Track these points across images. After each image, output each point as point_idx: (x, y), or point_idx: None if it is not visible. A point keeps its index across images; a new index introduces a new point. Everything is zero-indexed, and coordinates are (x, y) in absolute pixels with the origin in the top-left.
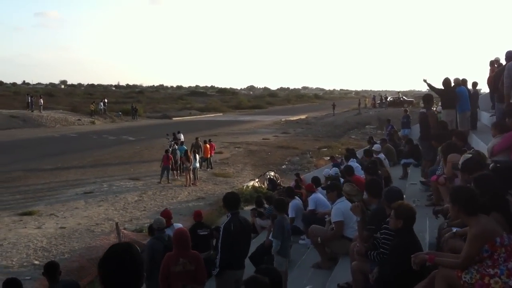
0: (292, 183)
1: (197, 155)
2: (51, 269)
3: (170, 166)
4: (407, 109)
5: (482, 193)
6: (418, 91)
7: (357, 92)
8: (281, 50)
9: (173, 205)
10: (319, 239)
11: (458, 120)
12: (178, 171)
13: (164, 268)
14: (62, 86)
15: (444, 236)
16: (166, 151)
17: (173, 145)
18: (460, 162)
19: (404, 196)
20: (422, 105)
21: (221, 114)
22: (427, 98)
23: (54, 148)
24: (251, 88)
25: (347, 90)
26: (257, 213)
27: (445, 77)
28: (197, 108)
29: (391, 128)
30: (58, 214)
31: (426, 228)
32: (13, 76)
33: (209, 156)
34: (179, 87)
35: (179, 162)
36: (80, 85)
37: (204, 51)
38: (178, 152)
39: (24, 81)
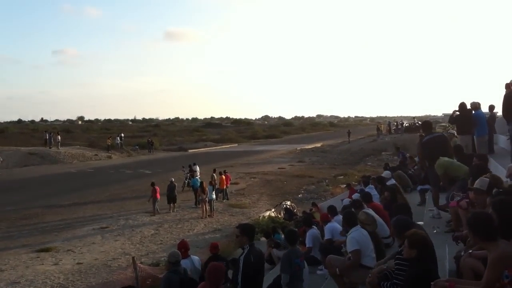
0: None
1: (212, 186)
2: None
3: (159, 198)
4: (422, 134)
5: (500, 218)
6: (434, 116)
7: (372, 119)
8: (295, 79)
9: (190, 238)
10: (337, 270)
11: (476, 144)
12: (173, 204)
13: None
14: (80, 122)
15: (461, 258)
16: (152, 183)
17: (189, 177)
18: (475, 185)
19: (423, 223)
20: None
21: (237, 144)
22: (426, 124)
23: (71, 184)
24: (266, 118)
25: (362, 117)
26: (274, 243)
27: (461, 101)
28: (213, 140)
29: (402, 155)
30: (75, 249)
31: (446, 255)
32: (31, 113)
33: (225, 187)
34: (195, 119)
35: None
36: (97, 120)
37: (218, 83)
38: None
39: (42, 118)
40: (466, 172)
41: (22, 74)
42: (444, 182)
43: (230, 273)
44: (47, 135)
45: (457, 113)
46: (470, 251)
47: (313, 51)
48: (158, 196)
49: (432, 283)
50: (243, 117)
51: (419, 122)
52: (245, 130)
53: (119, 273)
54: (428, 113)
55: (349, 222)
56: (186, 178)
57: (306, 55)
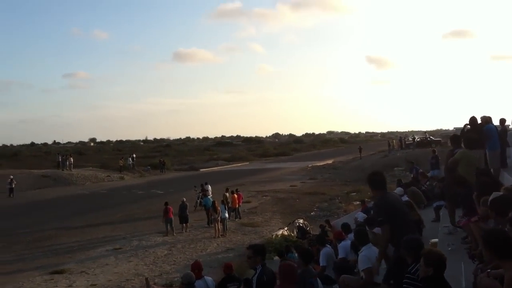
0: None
1: (224, 206)
2: None
3: (172, 217)
4: (435, 149)
5: None
6: (445, 130)
7: (382, 134)
8: (305, 96)
9: (203, 257)
10: None
11: (488, 159)
12: (186, 224)
13: None
14: (92, 144)
15: (478, 277)
16: (166, 203)
17: (201, 196)
18: (489, 199)
19: (437, 240)
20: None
21: (248, 163)
22: (455, 138)
23: (84, 206)
24: (277, 135)
25: (372, 132)
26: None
27: (472, 115)
28: (224, 158)
29: (415, 170)
30: (89, 271)
31: (462, 273)
32: (44, 136)
33: (237, 206)
34: (206, 139)
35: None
36: (109, 141)
37: (228, 102)
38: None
39: (54, 141)
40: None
41: (34, 98)
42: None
43: None
44: (59, 157)
45: (468, 127)
46: (488, 270)
47: (322, 67)
48: (171, 215)
49: None
50: (253, 135)
51: (431, 137)
52: (256, 148)
53: None
54: (439, 127)
55: (361, 240)
56: (198, 198)
57: (315, 71)
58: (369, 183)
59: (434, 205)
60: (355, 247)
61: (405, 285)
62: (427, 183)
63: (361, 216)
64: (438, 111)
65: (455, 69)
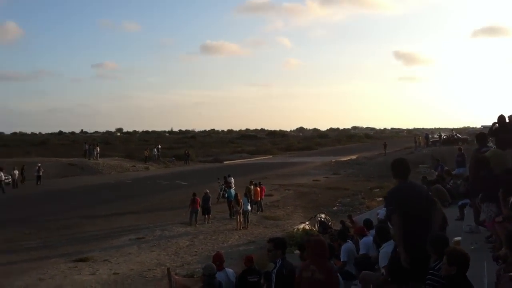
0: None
1: (247, 198)
2: None
3: (199, 209)
4: (461, 147)
5: None
6: (473, 128)
7: (408, 131)
8: (330, 91)
9: (224, 249)
10: (371, 286)
11: None
12: (208, 216)
13: (298, 275)
14: (118, 134)
15: (501, 281)
16: (194, 194)
17: (224, 188)
18: (510, 202)
19: (460, 238)
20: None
21: (271, 156)
22: (481, 137)
23: (109, 195)
24: (301, 129)
25: (398, 128)
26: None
27: (500, 114)
28: (248, 151)
29: (440, 168)
30: (112, 260)
31: (484, 273)
32: (72, 125)
33: (259, 199)
34: (230, 131)
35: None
36: (135, 132)
37: (253, 95)
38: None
39: (82, 130)
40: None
41: (63, 87)
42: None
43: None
44: (86, 146)
45: (496, 125)
46: (511, 274)
47: (349, 63)
48: (198, 206)
49: None
50: (278, 129)
51: (458, 135)
52: (280, 141)
53: (154, 284)
54: (466, 125)
55: (382, 236)
56: (221, 190)
57: (342, 66)
58: (391, 170)
59: (459, 203)
60: (377, 243)
61: (428, 281)
62: (452, 181)
63: (382, 212)
64: (465, 108)
65: (484, 66)
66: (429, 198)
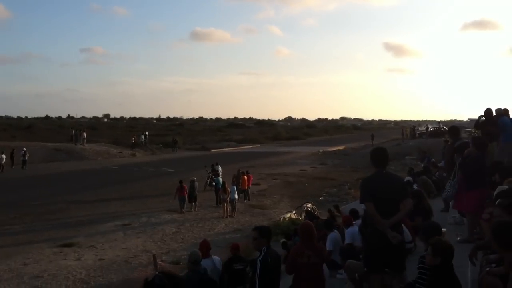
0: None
1: (234, 186)
2: None
3: (186, 196)
4: (447, 139)
5: None
6: (460, 121)
7: (396, 123)
8: (319, 81)
9: (210, 237)
10: (356, 275)
11: (499, 151)
12: (195, 203)
13: (291, 259)
14: (105, 120)
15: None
16: (180, 181)
17: (211, 176)
18: (495, 193)
19: (445, 229)
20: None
21: (259, 145)
22: (454, 129)
23: (95, 181)
24: (289, 119)
25: (386, 120)
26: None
27: (487, 107)
28: (236, 140)
29: (427, 160)
30: (97, 245)
31: (468, 264)
32: (59, 110)
33: (246, 187)
34: (218, 119)
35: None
36: (122, 118)
37: (242, 84)
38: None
39: (69, 115)
40: None
41: (51, 72)
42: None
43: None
44: (73, 131)
45: (483, 118)
46: (488, 268)
47: (339, 53)
48: (185, 194)
49: None
50: (266, 118)
51: (445, 127)
52: (268, 131)
53: (140, 271)
54: (453, 118)
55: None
56: (208, 178)
57: (332, 56)
58: (370, 158)
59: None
60: (363, 234)
61: (419, 269)
62: (438, 173)
63: None
64: (453, 102)
65: (472, 60)
66: (402, 188)
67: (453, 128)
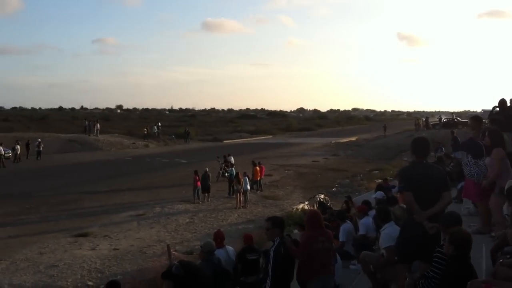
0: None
1: (247, 177)
2: None
3: (199, 186)
4: (453, 130)
5: None
6: (473, 111)
7: (409, 113)
8: (331, 72)
9: (223, 227)
10: (371, 267)
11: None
12: (208, 194)
13: (305, 246)
14: (118, 111)
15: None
16: (195, 172)
17: (224, 167)
18: (506, 188)
19: None
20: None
21: (271, 136)
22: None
23: (109, 171)
24: (301, 110)
25: (398, 111)
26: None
27: (501, 98)
28: (248, 131)
29: (440, 151)
30: (112, 235)
31: (482, 255)
32: (72, 101)
33: (259, 178)
34: (230, 110)
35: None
36: (135, 109)
37: (253, 74)
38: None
39: (82, 106)
40: None
41: (64, 63)
42: None
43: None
44: (86, 122)
45: (497, 109)
46: (501, 260)
47: (351, 43)
48: (199, 184)
49: (468, 282)
50: (278, 109)
51: (458, 118)
52: (280, 122)
53: (154, 260)
54: (467, 108)
55: (383, 217)
56: (220, 169)
57: (344, 46)
58: (411, 147)
59: (458, 186)
60: (377, 225)
61: (435, 258)
62: (452, 164)
63: (379, 194)
64: (467, 92)
65: (486, 50)
66: (443, 180)
67: (476, 117)
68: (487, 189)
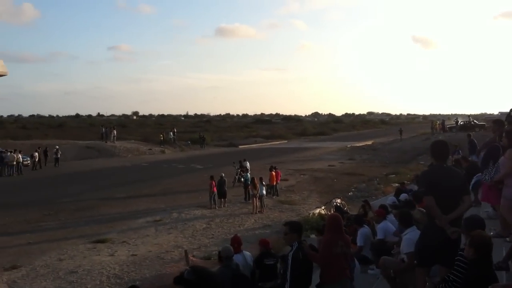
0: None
1: (263, 182)
2: None
3: (215, 191)
4: (470, 133)
5: None
6: (490, 114)
7: (424, 117)
8: (345, 76)
9: (240, 233)
10: (391, 272)
11: None
12: (224, 199)
13: (325, 250)
14: (134, 117)
15: None
16: (211, 177)
17: (239, 172)
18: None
19: None
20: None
21: (286, 141)
22: (498, 123)
23: (126, 177)
24: (316, 114)
25: (414, 114)
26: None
27: None
28: (263, 136)
29: (457, 154)
30: (130, 241)
31: (502, 258)
32: (88, 108)
33: (275, 183)
34: (245, 116)
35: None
36: (151, 115)
37: (267, 79)
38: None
39: (98, 113)
40: None
41: (79, 70)
42: None
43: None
44: (103, 129)
45: None
46: None
47: (364, 46)
48: (215, 189)
49: (489, 287)
50: (293, 114)
51: (475, 121)
52: (295, 126)
53: (172, 266)
54: (483, 111)
55: (405, 222)
56: (236, 174)
57: (358, 50)
58: (430, 151)
59: (471, 185)
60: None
61: (457, 262)
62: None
63: (391, 199)
64: (483, 94)
65: (503, 51)
66: (463, 183)
67: (498, 121)
68: (494, 187)
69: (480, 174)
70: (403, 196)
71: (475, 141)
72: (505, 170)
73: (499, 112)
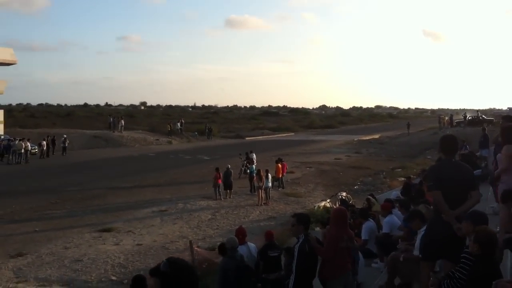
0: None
1: (269, 174)
2: (139, 283)
3: (220, 183)
4: (485, 127)
5: None
6: (499, 109)
7: (432, 111)
8: (354, 69)
9: (245, 224)
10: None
11: None
12: (230, 190)
13: (331, 244)
14: (142, 107)
15: None
16: (217, 168)
17: (245, 164)
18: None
19: None
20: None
21: (293, 133)
22: (507, 119)
23: (133, 167)
24: (323, 107)
25: (422, 109)
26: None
27: None
28: (270, 128)
29: (465, 149)
30: (135, 231)
31: (507, 255)
32: (96, 98)
33: (281, 175)
34: (252, 108)
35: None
36: (158, 106)
37: (275, 72)
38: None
39: (106, 103)
40: None
41: (88, 60)
42: None
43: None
44: (111, 119)
45: None
46: None
47: (372, 40)
48: (220, 181)
49: (493, 282)
50: (300, 106)
51: (483, 116)
52: (302, 119)
53: (177, 256)
54: (492, 106)
55: (406, 209)
56: (242, 166)
57: (368, 43)
58: (439, 145)
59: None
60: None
61: (462, 259)
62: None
63: (395, 193)
64: (492, 89)
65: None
66: (471, 179)
67: (508, 117)
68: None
69: (479, 170)
70: (395, 194)
71: (489, 136)
72: (501, 166)
73: (508, 108)
